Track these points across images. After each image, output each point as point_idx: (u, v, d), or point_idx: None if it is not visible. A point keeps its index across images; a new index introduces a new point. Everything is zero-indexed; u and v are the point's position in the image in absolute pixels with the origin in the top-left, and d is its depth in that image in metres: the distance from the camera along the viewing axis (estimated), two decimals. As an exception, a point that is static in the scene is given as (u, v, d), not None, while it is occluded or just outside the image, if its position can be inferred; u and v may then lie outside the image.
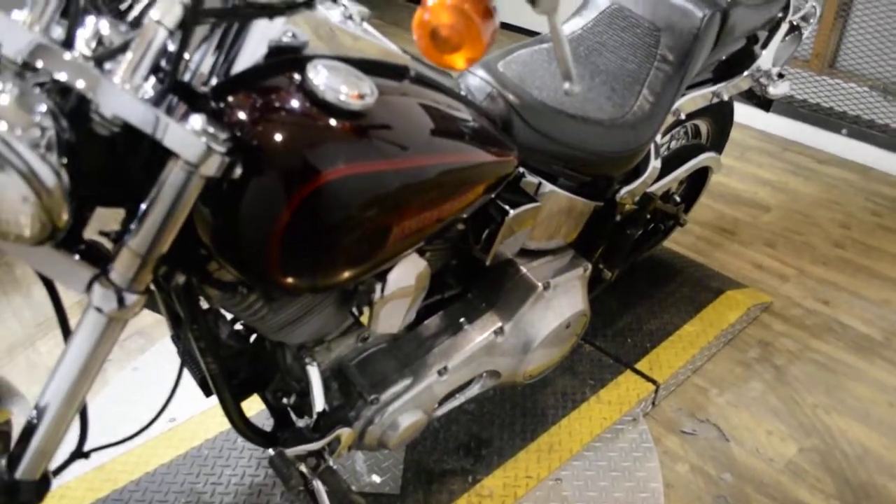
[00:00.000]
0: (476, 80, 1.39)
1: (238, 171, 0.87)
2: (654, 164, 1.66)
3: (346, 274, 1.03)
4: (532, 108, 1.35)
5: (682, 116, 1.72)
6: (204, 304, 1.14)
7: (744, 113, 3.38)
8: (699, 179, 2.15)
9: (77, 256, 0.91)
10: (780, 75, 2.01)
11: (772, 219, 2.77)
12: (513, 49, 1.53)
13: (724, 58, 1.82)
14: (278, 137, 0.90)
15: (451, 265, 1.50)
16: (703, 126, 2.11)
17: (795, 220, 2.76)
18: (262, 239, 0.93)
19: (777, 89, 1.92)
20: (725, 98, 1.83)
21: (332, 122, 0.93)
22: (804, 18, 1.97)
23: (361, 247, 1.01)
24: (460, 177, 1.12)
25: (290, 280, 0.99)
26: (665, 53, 1.55)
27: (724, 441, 1.85)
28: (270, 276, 0.97)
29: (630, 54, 1.57)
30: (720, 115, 2.08)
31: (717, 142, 2.18)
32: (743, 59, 1.85)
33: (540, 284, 1.50)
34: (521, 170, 1.42)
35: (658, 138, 1.67)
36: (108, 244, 0.96)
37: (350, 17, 1.09)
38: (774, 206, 2.84)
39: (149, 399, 1.83)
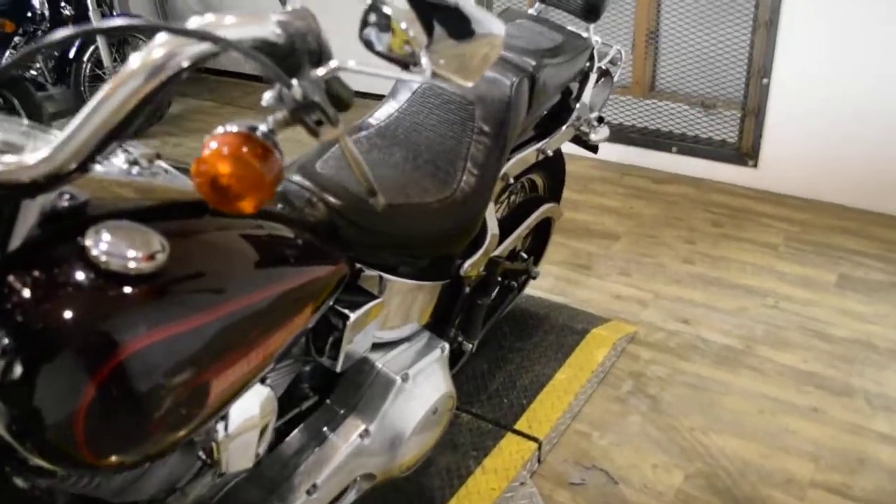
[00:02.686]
0: (293, 187, 1.34)
1: (18, 370, 0.79)
2: (493, 231, 1.67)
3: (175, 437, 0.95)
4: (355, 206, 1.32)
5: (511, 180, 1.74)
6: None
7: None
8: (544, 229, 2.19)
9: None
10: (601, 119, 2.09)
11: (623, 246, 2.86)
12: (323, 149, 1.50)
13: (543, 114, 1.86)
14: (64, 318, 0.81)
15: (304, 374, 1.44)
16: (539, 179, 2.16)
17: (645, 244, 2.87)
18: (65, 427, 0.84)
19: (598, 135, 1.99)
20: (550, 153, 1.87)
21: (124, 290, 0.85)
22: (612, 62, 2.05)
23: (185, 408, 0.93)
24: (284, 304, 1.06)
25: (111, 460, 0.90)
26: (481, 125, 1.56)
27: (613, 485, 1.85)
28: (85, 463, 0.88)
29: (448, 130, 1.57)
30: (553, 166, 2.13)
31: (554, 190, 2.23)
32: (561, 113, 1.91)
33: (398, 378, 1.46)
34: (359, 266, 1.38)
35: (491, 206, 1.69)
36: None
37: (135, 162, 1.02)
38: (623, 233, 2.94)
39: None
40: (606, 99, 2.08)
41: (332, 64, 0.82)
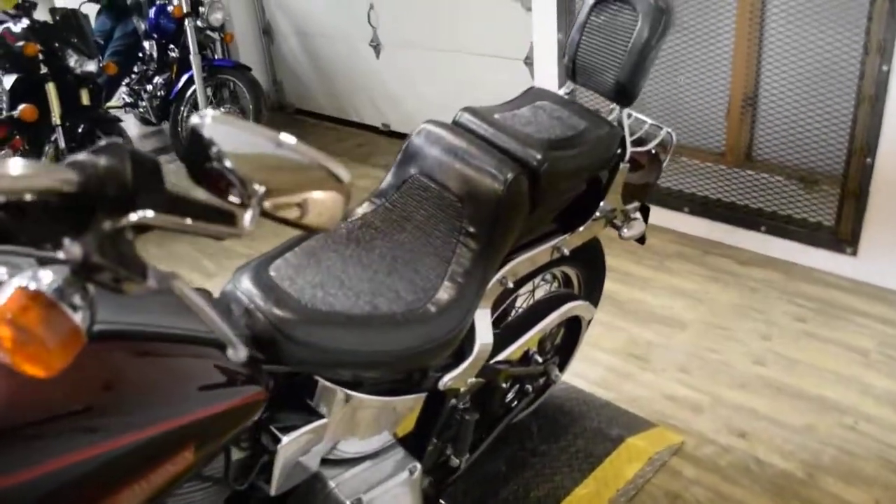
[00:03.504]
0: (237, 294, 1.23)
1: None
2: (483, 340, 1.50)
3: None
4: (301, 318, 1.20)
5: (511, 284, 1.56)
6: None
7: (661, 216, 3.26)
8: (575, 329, 1.98)
9: None
10: (645, 209, 1.88)
11: (688, 337, 2.59)
12: (294, 242, 1.39)
13: (563, 206, 1.68)
14: None
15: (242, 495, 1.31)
16: (572, 272, 1.95)
17: (713, 336, 2.58)
18: None
19: (631, 230, 1.78)
20: (567, 252, 1.68)
21: None
22: (662, 146, 1.84)
23: None
24: (166, 448, 0.94)
25: None
26: (468, 226, 1.40)
27: None
28: None
29: (435, 228, 1.43)
30: (589, 259, 1.93)
31: (591, 286, 2.02)
32: (587, 205, 1.71)
33: (348, 502, 1.31)
34: (315, 378, 1.25)
35: (486, 312, 1.52)
36: None
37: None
38: (691, 322, 2.67)
39: None
40: (652, 186, 1.86)
41: (132, 217, 0.70)
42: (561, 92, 1.78)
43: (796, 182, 2.99)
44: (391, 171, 1.55)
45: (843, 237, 2.82)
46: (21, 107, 3.34)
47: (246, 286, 1.24)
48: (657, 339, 2.59)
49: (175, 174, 0.73)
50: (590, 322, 1.97)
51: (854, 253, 2.81)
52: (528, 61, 3.88)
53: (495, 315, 1.67)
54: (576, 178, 1.58)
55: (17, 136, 3.16)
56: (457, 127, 1.57)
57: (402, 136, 4.79)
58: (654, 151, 1.84)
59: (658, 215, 3.29)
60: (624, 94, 1.61)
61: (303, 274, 1.30)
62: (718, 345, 2.53)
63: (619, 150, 1.68)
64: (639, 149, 1.77)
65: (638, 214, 1.84)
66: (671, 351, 2.52)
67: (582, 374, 2.41)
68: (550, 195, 1.53)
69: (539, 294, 1.96)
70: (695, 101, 3.24)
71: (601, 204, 1.71)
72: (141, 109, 4.95)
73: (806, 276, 2.89)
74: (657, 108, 3.40)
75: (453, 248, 1.40)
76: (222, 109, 4.51)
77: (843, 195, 2.79)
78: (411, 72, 4.52)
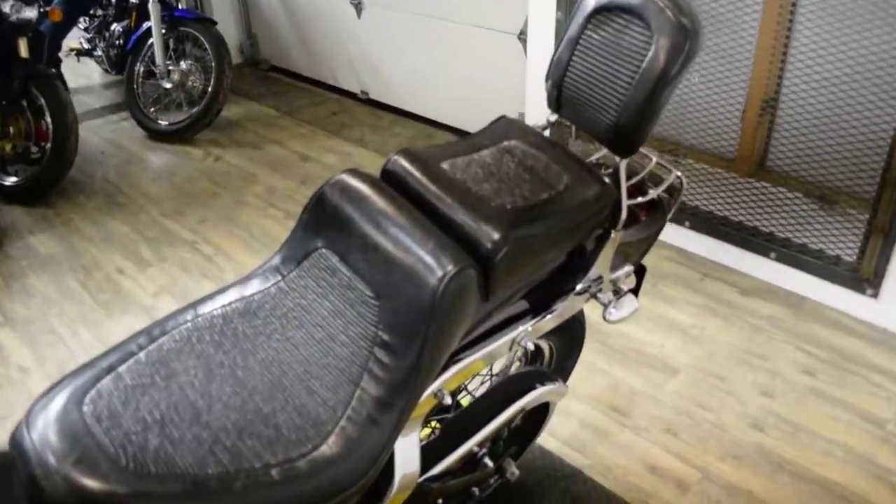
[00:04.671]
0: (25, 444, 0.87)
1: None
2: (405, 471, 1.14)
3: None
4: (111, 493, 0.83)
5: (448, 399, 1.18)
6: None
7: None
8: (539, 413, 1.62)
9: None
10: (641, 270, 1.50)
11: (678, 386, 2.24)
12: (134, 346, 1.02)
13: (534, 284, 1.30)
14: None
15: None
16: (543, 342, 1.59)
17: (707, 387, 2.23)
18: None
19: (620, 312, 1.40)
20: (530, 346, 1.30)
21: None
22: (669, 192, 1.46)
23: None
24: None
25: None
26: (384, 335, 1.03)
27: None
28: None
29: (342, 332, 1.06)
30: (566, 329, 1.55)
31: (564, 362, 1.65)
32: (564, 279, 1.33)
33: None
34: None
35: (413, 437, 1.15)
36: None
37: None
38: (683, 367, 2.32)
39: None
40: (652, 243, 1.49)
41: None
42: (543, 122, 1.38)
43: (814, 200, 2.61)
44: (292, 235, 1.17)
45: (865, 275, 2.45)
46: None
47: (41, 431, 0.87)
48: (643, 386, 2.24)
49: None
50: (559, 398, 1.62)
51: (875, 295, 2.44)
52: (522, 37, 3.44)
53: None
54: (549, 257, 1.20)
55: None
56: (386, 181, 1.18)
57: (382, 107, 4.37)
58: (657, 198, 1.47)
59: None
60: (624, 142, 1.22)
61: (137, 402, 0.93)
62: (712, 399, 2.18)
63: (604, 212, 1.30)
64: (639, 199, 1.39)
65: (630, 282, 1.47)
66: (658, 404, 2.17)
67: (552, 429, 2.07)
68: (514, 281, 1.15)
69: (497, 367, 1.60)
70: (707, 98, 2.83)
71: (580, 281, 1.33)
72: (97, 58, 4.50)
73: (818, 316, 2.53)
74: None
75: (364, 364, 1.02)
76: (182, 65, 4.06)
77: (870, 228, 2.41)
78: (394, 37, 4.06)
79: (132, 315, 2.67)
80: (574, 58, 1.28)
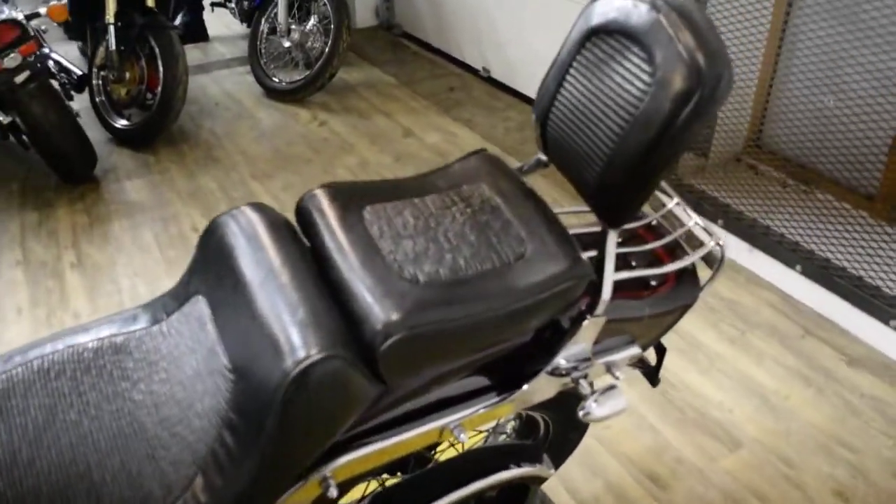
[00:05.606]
0: None
1: None
2: None
3: None
4: None
5: (333, 493, 0.96)
6: None
7: (764, 265, 2.50)
8: (517, 494, 1.37)
9: None
10: (661, 349, 1.22)
11: (736, 464, 1.91)
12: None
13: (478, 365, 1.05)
14: None
15: None
16: (541, 418, 1.33)
17: (771, 473, 1.88)
18: None
19: (601, 409, 1.12)
20: (463, 439, 1.06)
21: None
22: (707, 261, 1.17)
23: None
24: None
25: None
26: (233, 416, 0.84)
27: None
28: None
29: (199, 398, 0.87)
30: (563, 403, 1.29)
31: (565, 435, 1.39)
32: (535, 359, 1.08)
33: None
34: None
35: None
36: None
37: None
38: (750, 441, 1.97)
39: None
40: (673, 322, 1.20)
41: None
42: (531, 162, 1.12)
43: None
44: (190, 265, 1.00)
45: None
46: (50, 4, 2.98)
47: None
48: (693, 456, 1.93)
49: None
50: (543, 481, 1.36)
51: None
52: (649, 30, 3.07)
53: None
54: (481, 344, 0.95)
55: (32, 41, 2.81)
56: (299, 221, 0.98)
57: (501, 87, 4.12)
58: (690, 266, 1.18)
59: (761, 264, 2.53)
60: (612, 207, 0.95)
61: None
62: (773, 490, 1.84)
63: (569, 284, 1.02)
64: (662, 269, 1.11)
65: (625, 372, 1.19)
66: (705, 482, 1.86)
67: (571, 482, 1.82)
68: (423, 370, 0.93)
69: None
70: (848, 121, 2.40)
71: (550, 362, 1.07)
72: (231, 9, 4.55)
73: (937, 409, 2.08)
74: (793, 109, 2.58)
75: (211, 445, 0.84)
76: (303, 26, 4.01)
77: None
78: (524, 16, 3.79)
79: (188, 277, 2.65)
80: (562, 88, 1.01)
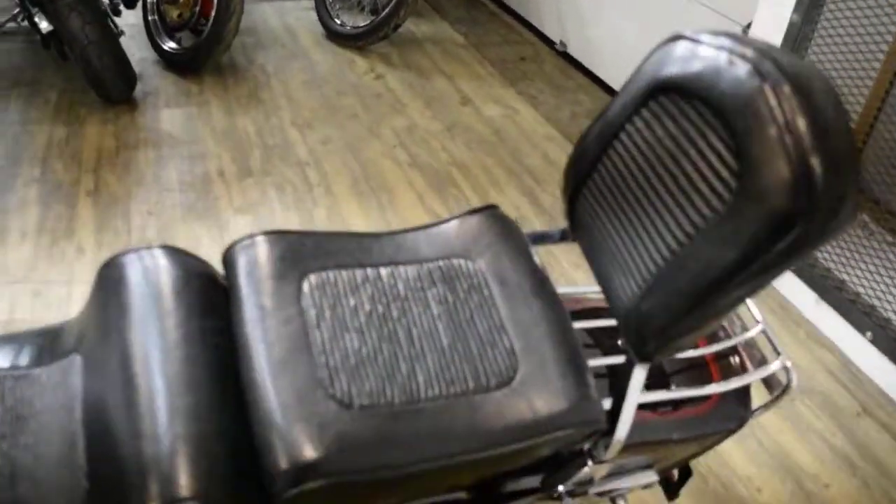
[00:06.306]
0: None
1: None
2: None
3: None
4: None
5: None
6: None
7: (833, 324, 2.21)
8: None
9: None
10: (684, 473, 0.99)
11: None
12: None
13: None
14: None
15: None
16: None
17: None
18: None
19: None
20: None
21: None
22: (768, 383, 0.92)
23: None
24: None
25: None
26: None
27: None
28: None
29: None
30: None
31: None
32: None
33: None
34: None
35: None
36: None
37: None
38: (773, 531, 1.72)
39: None
40: (709, 446, 0.95)
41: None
42: (553, 233, 0.87)
43: None
44: (81, 310, 0.79)
45: None
46: None
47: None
48: (705, 538, 1.69)
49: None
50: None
51: None
52: (747, 30, 2.73)
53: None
54: (413, 496, 0.72)
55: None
56: (225, 269, 0.76)
57: (575, 65, 3.80)
58: (752, 379, 0.93)
59: (828, 321, 2.24)
60: (645, 339, 0.69)
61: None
62: None
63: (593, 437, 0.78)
64: (706, 390, 0.86)
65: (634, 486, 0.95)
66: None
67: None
68: None
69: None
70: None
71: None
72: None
73: None
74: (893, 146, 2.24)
75: None
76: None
77: None
78: (612, -10, 3.45)
79: (202, 225, 2.47)
80: (607, 155, 0.74)
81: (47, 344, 0.78)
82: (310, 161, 2.88)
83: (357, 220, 2.58)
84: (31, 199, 2.54)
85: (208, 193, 2.64)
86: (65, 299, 2.14)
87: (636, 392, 0.71)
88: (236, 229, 2.49)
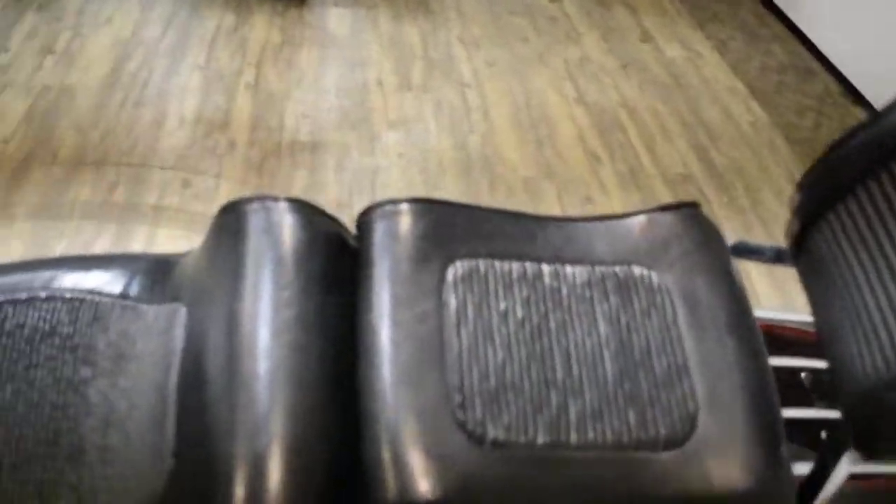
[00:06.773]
0: None
1: None
2: None
3: None
4: None
5: None
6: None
7: None
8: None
9: None
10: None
11: None
12: None
13: None
14: None
15: None
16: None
17: None
18: None
19: None
20: None
21: None
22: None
23: None
24: None
25: None
26: None
27: None
28: None
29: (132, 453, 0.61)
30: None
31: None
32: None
33: None
34: None
35: None
36: None
37: None
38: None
39: None
40: None
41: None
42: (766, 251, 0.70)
43: None
44: (196, 251, 0.71)
45: None
46: None
47: None
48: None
49: None
50: None
51: None
52: None
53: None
54: None
55: None
56: (359, 237, 0.64)
57: (775, 12, 3.39)
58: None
59: None
60: (873, 429, 0.53)
61: None
62: None
63: None
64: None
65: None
66: None
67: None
68: None
69: None
70: None
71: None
72: None
73: None
74: None
75: None
76: None
77: None
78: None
79: (354, 135, 2.41)
80: (874, 179, 0.56)
81: (159, 278, 0.72)
82: (472, 83, 2.73)
83: (511, 152, 2.43)
84: (193, 86, 2.55)
85: (364, 103, 2.57)
86: (212, 192, 2.15)
87: (838, 482, 0.56)
88: (387, 144, 2.41)
